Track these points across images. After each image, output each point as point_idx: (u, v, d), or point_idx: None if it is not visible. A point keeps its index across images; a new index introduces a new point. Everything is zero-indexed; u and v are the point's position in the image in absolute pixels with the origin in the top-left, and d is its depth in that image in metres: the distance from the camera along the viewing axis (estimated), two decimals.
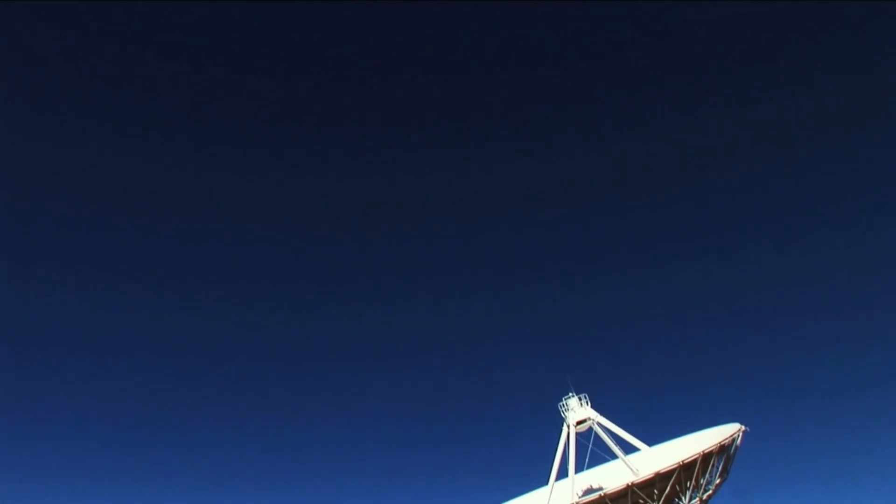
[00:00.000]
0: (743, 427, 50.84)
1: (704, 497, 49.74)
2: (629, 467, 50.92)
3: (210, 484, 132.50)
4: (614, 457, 54.02)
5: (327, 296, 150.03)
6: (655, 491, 47.21)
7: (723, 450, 49.65)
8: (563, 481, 53.31)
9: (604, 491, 48.14)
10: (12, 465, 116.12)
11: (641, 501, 47.16)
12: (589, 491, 53.89)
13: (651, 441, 54.77)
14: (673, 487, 47.40)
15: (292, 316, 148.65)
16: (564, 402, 55.41)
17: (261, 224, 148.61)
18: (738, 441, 50.56)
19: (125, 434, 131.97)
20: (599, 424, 53.99)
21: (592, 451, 54.80)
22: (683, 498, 48.26)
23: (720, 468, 50.23)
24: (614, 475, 52.89)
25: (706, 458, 48.25)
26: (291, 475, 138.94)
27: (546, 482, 54.10)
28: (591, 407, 54.96)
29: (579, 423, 54.38)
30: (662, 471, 47.09)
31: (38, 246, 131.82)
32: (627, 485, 46.56)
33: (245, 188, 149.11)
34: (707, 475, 49.10)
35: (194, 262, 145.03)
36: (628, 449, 53.96)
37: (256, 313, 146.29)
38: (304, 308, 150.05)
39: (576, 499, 49.28)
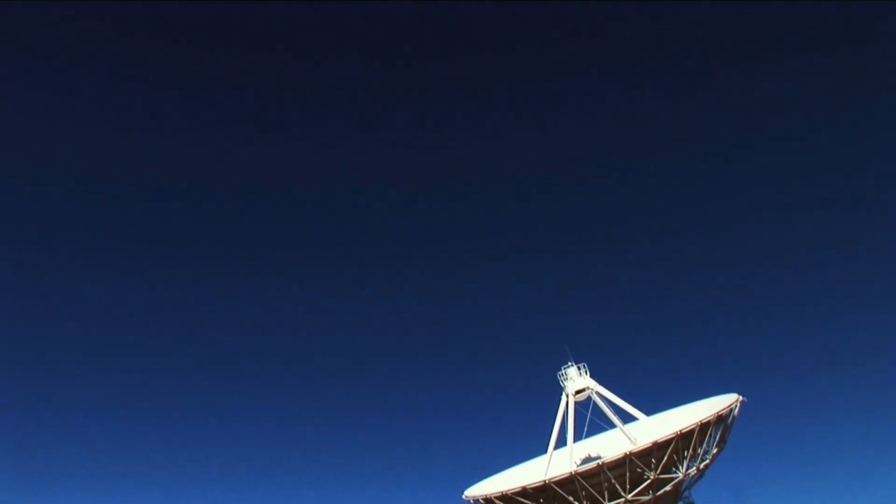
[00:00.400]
0: (740, 397, 51.04)
1: (702, 466, 50.15)
2: (627, 436, 51.20)
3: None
4: (613, 426, 54.32)
5: (326, 269, 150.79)
6: (653, 460, 47.61)
7: (720, 420, 49.94)
8: (562, 450, 53.71)
9: (602, 460, 48.51)
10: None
11: (639, 470, 47.57)
12: (587, 459, 54.46)
13: (649, 411, 55.24)
14: (670, 457, 47.83)
15: (291, 289, 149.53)
16: (563, 372, 55.55)
17: (253, 198, 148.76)
18: (736, 411, 50.78)
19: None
20: (598, 394, 54.22)
21: (591, 421, 55.31)
22: (681, 467, 48.68)
23: (717, 438, 50.54)
24: (612, 444, 53.22)
25: (704, 427, 48.61)
26: (291, 445, 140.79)
27: (545, 451, 54.42)
28: (590, 376, 55.21)
29: (578, 392, 54.54)
30: (660, 440, 47.50)
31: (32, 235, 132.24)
32: (625, 454, 46.99)
33: (235, 164, 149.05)
34: (704, 445, 49.45)
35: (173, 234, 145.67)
36: (627, 418, 54.23)
37: (251, 285, 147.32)
38: (303, 279, 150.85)
39: (574, 467, 49.67)
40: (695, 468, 49.59)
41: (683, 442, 47.99)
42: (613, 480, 47.39)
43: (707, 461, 50.52)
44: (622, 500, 47.88)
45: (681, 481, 49.37)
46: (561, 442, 54.27)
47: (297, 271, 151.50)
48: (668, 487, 48.71)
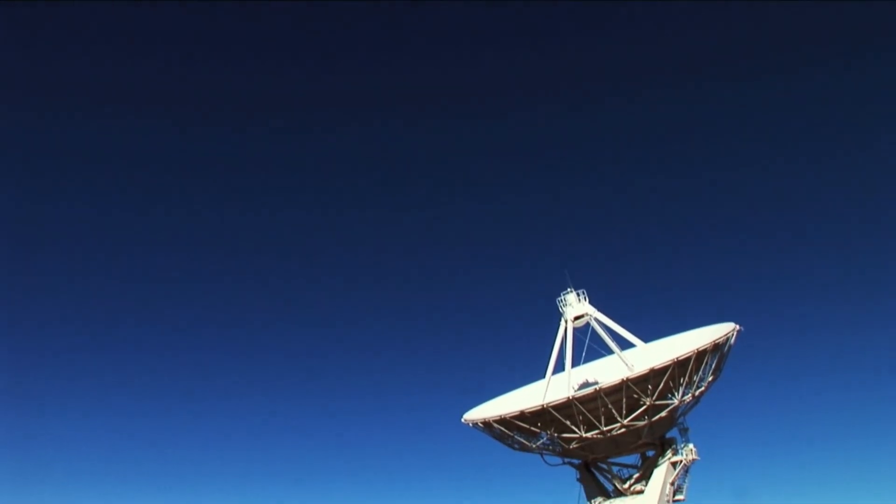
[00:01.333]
0: (737, 326, 51.53)
1: (697, 394, 50.92)
2: (624, 363, 51.84)
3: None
4: (610, 352, 54.73)
5: (328, 188, 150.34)
6: (650, 386, 48.35)
7: (717, 348, 50.54)
8: (560, 375, 54.47)
9: (599, 385, 49.43)
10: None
11: (636, 396, 48.37)
12: (585, 385, 55.21)
13: (647, 338, 55.68)
14: (667, 383, 48.53)
15: (300, 208, 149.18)
16: (563, 298, 55.86)
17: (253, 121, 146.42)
18: (732, 340, 51.35)
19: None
20: (597, 320, 54.60)
21: (589, 347, 55.82)
22: (676, 394, 49.41)
23: (713, 366, 51.20)
24: (610, 370, 53.94)
25: (700, 355, 49.15)
26: (289, 366, 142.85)
27: (543, 376, 55.13)
28: (590, 303, 55.54)
29: (577, 318, 54.95)
30: (657, 367, 48.16)
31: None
32: (622, 380, 47.76)
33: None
34: (700, 372, 50.11)
35: None
36: (624, 345, 54.68)
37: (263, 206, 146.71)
38: (314, 200, 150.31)
39: (572, 392, 50.47)
40: (690, 395, 50.32)
41: (680, 369, 48.63)
42: (610, 405, 48.25)
43: (703, 388, 51.23)
44: (618, 424, 48.87)
45: (676, 408, 50.20)
46: (559, 367, 55.05)
47: (294, 190, 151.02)
48: (663, 413, 49.63)
